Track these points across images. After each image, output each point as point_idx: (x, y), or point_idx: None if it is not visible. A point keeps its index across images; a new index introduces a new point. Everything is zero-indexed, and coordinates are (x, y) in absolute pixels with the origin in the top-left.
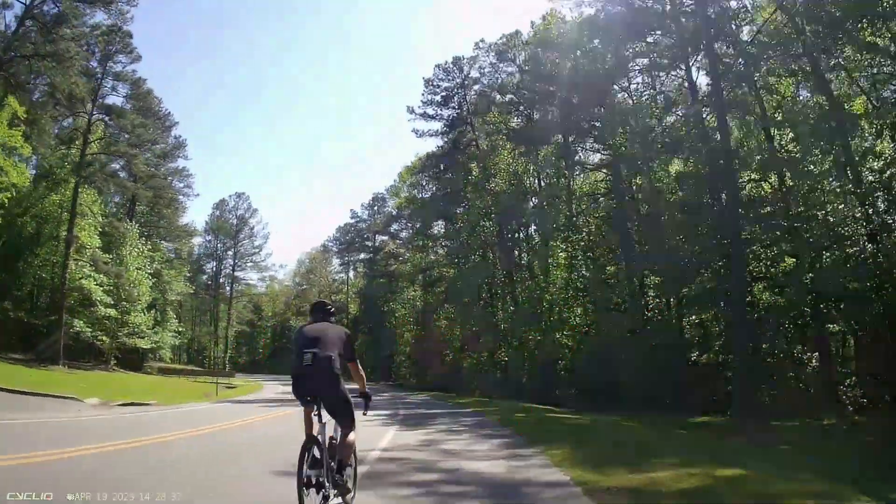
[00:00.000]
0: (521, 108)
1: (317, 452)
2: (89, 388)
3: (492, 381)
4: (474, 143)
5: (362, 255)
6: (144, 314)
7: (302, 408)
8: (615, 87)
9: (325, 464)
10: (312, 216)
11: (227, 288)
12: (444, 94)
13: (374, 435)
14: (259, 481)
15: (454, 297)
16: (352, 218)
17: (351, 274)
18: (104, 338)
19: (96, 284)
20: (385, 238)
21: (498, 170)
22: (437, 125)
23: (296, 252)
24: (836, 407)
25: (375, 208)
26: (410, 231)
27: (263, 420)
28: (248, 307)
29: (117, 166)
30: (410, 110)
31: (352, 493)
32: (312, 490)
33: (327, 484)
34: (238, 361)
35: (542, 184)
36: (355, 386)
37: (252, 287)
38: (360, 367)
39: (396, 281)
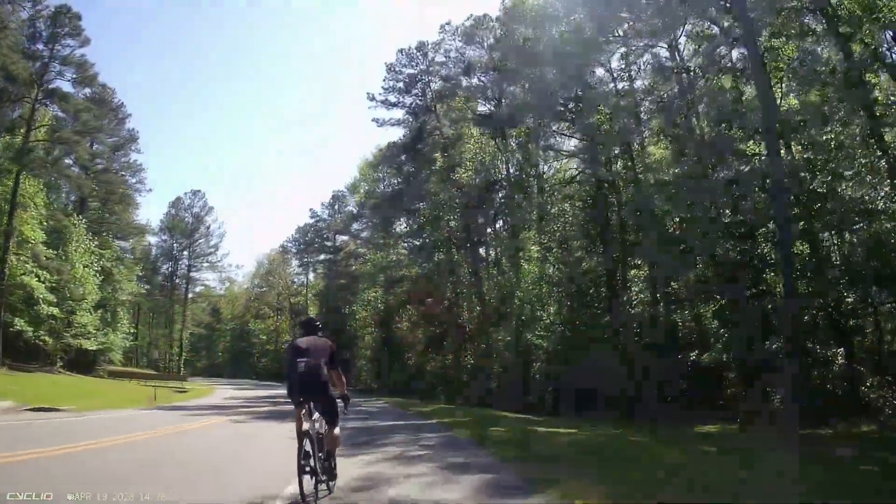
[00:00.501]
0: (489, 91)
1: (307, 446)
2: (12, 391)
3: (458, 385)
4: (438, 131)
5: (322, 256)
6: (91, 314)
7: (295, 408)
8: (595, 62)
9: (315, 454)
10: (271, 216)
11: (182, 289)
12: (406, 80)
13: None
14: None
15: (417, 297)
16: (311, 217)
17: (311, 276)
18: (46, 338)
19: (39, 281)
20: (345, 238)
21: (463, 159)
22: (399, 113)
23: (254, 253)
24: (869, 411)
25: (336, 207)
26: (371, 230)
27: (176, 432)
28: (206, 310)
29: (70, 161)
30: (371, 97)
31: (336, 480)
32: (306, 476)
33: (319, 470)
34: (197, 365)
35: (512, 171)
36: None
37: (209, 289)
38: (342, 374)
39: (357, 282)
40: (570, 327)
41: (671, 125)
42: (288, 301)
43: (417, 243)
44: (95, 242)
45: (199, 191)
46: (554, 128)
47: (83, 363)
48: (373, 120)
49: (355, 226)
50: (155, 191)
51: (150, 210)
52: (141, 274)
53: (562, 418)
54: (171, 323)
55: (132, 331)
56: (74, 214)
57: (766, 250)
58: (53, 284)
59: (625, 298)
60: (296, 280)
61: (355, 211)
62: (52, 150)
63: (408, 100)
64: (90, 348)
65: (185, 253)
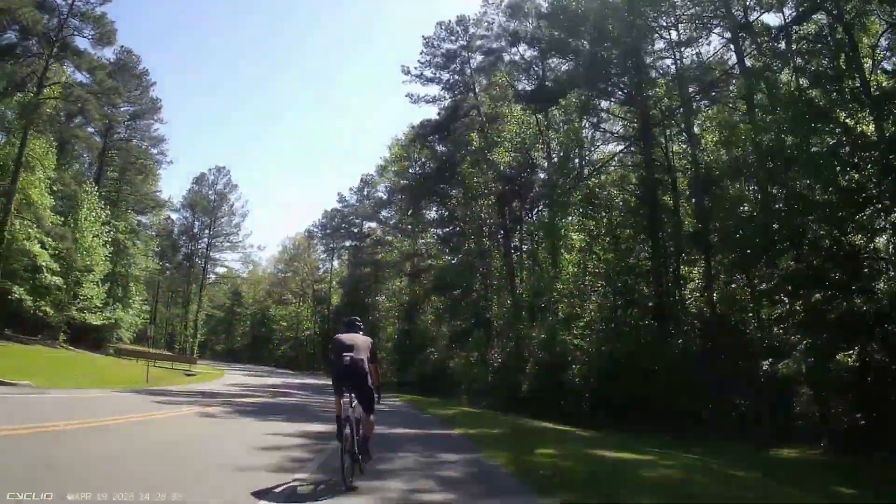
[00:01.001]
0: (533, 68)
1: (347, 429)
2: None
3: (483, 386)
4: (476, 109)
5: (348, 243)
6: (98, 287)
7: (335, 396)
8: (654, 31)
9: (353, 437)
10: (298, 199)
11: (201, 268)
12: (444, 55)
13: None
14: None
15: (443, 287)
16: (339, 202)
17: (336, 263)
18: (47, 309)
19: (42, 248)
20: (373, 225)
21: (502, 139)
22: (434, 89)
23: (278, 236)
24: None
25: (365, 192)
26: (399, 214)
27: (115, 423)
28: (227, 293)
29: (92, 130)
30: (406, 70)
31: (370, 460)
32: (347, 455)
33: (356, 450)
34: (216, 349)
35: (555, 150)
36: None
37: (232, 271)
38: (378, 368)
39: (382, 270)
40: (614, 327)
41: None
42: (311, 287)
43: (446, 231)
44: (107, 212)
45: (223, 167)
46: (603, 105)
47: (91, 339)
48: (406, 95)
49: (384, 213)
50: (179, 168)
51: (173, 187)
52: (157, 249)
53: (607, 432)
54: (188, 303)
55: (145, 308)
56: (88, 182)
57: (859, 239)
58: (57, 252)
59: (676, 297)
60: (320, 266)
61: (384, 197)
62: (63, 109)
63: (445, 76)
64: (94, 323)
65: (207, 231)
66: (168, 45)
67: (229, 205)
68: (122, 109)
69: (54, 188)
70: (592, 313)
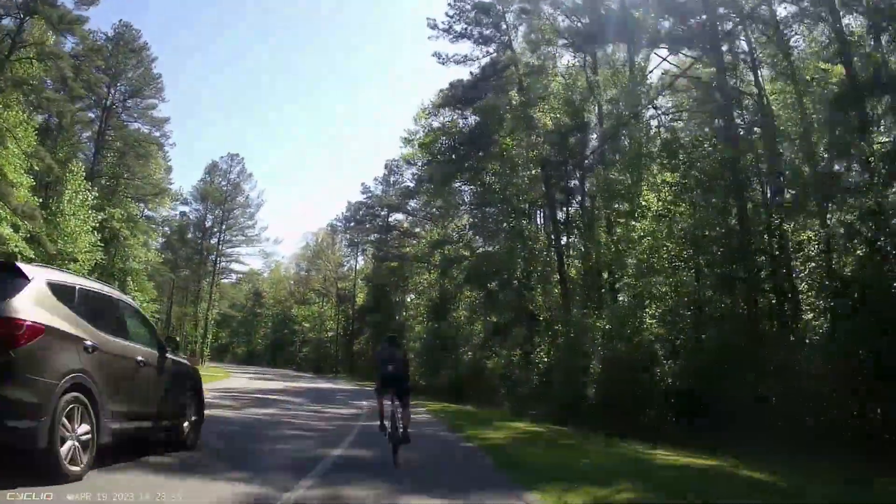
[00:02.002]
0: (580, 14)
1: (389, 420)
2: None
3: (527, 391)
4: (514, 65)
5: (373, 237)
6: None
7: (378, 398)
8: None
9: (395, 426)
10: (319, 193)
11: (213, 263)
12: (476, 7)
13: None
14: None
15: (478, 278)
16: (363, 194)
17: (360, 259)
18: None
19: (14, 232)
20: (399, 216)
21: (547, 92)
22: (465, 46)
23: (297, 231)
24: None
25: (391, 180)
26: (427, 198)
27: None
28: (247, 293)
29: (92, 115)
30: (433, 24)
31: (409, 443)
32: (395, 443)
33: (399, 436)
34: (237, 352)
35: (610, 96)
36: None
37: (252, 270)
38: (409, 375)
39: (410, 264)
40: (708, 311)
41: None
42: (334, 286)
43: (481, 215)
44: (94, 194)
45: (236, 154)
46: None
47: None
48: (434, 55)
49: (412, 202)
50: (187, 164)
51: (183, 176)
52: (162, 240)
53: (741, 460)
54: (199, 301)
55: (145, 305)
56: (74, 161)
57: None
58: (31, 235)
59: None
60: (344, 263)
61: (411, 185)
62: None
63: (475, 31)
64: None
65: (220, 224)
66: (183, 35)
67: (244, 195)
68: (120, 88)
69: (36, 167)
70: (675, 296)
